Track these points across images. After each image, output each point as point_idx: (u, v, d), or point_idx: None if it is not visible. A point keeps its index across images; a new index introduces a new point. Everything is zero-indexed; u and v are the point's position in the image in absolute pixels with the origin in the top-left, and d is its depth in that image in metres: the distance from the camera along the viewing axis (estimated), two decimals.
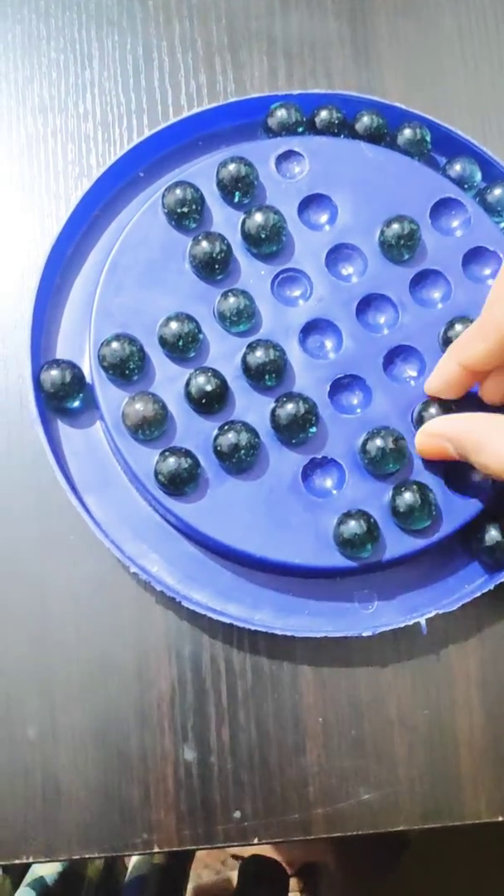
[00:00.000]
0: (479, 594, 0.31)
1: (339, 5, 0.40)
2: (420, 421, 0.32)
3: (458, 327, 0.33)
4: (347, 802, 0.31)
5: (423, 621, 0.31)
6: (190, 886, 0.74)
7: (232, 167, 0.34)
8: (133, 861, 0.65)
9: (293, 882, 0.81)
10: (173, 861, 0.63)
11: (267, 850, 0.81)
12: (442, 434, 0.31)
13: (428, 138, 0.37)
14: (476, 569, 0.33)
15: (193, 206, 0.34)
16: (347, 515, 0.31)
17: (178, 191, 0.33)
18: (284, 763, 0.31)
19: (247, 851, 0.79)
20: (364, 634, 0.31)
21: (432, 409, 0.32)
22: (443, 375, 0.32)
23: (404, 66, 0.40)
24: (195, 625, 0.32)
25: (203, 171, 0.35)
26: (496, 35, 0.41)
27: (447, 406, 0.32)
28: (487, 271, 0.35)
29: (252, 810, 0.31)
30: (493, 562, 0.32)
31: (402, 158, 0.36)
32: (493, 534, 0.32)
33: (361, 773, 0.31)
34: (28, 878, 0.50)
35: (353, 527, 0.30)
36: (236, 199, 0.35)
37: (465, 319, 0.33)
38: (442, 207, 0.35)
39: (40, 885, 0.49)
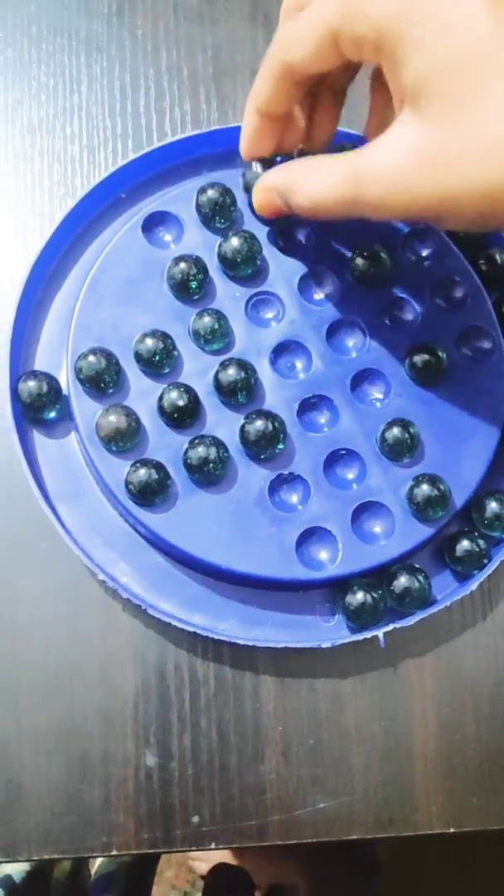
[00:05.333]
0: (435, 610, 0.33)
1: None
2: (383, 441, 0.33)
3: (420, 354, 0.34)
4: (303, 810, 0.32)
5: (380, 635, 0.32)
6: None
7: (211, 193, 0.35)
8: (99, 861, 0.66)
9: None
10: (139, 859, 0.63)
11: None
12: (270, 186, 0.33)
13: None
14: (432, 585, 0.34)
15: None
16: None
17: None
18: (243, 770, 0.32)
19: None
20: (323, 646, 0.32)
21: (395, 430, 0.33)
22: (247, 130, 0.33)
23: None
24: (160, 633, 0.33)
25: (183, 196, 0.36)
26: None
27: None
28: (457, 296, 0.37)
29: (210, 815, 0.32)
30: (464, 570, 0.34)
31: None
32: (464, 544, 0.33)
33: (318, 781, 0.32)
34: None
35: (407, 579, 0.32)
36: (215, 223, 0.36)
37: (430, 345, 0.35)
38: (414, 235, 0.37)
39: (8, 883, 0.50)
